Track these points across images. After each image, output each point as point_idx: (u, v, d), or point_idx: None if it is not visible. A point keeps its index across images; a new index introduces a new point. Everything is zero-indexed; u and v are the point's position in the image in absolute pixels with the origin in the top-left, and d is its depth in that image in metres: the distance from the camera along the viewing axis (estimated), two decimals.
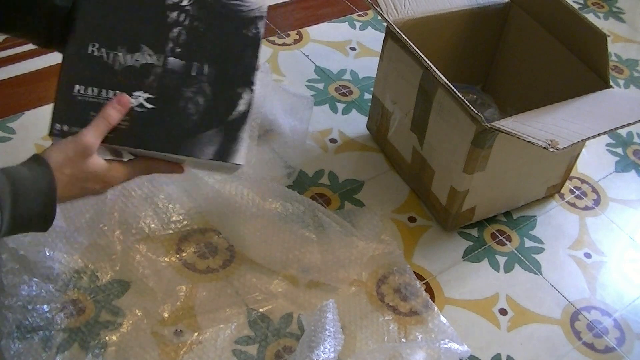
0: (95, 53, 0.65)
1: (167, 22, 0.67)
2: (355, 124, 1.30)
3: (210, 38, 0.68)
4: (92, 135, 0.64)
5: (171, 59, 0.67)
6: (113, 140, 0.66)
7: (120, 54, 0.66)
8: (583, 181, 1.26)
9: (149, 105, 0.66)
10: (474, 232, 1.13)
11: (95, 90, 0.65)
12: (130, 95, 0.66)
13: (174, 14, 0.67)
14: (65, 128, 0.65)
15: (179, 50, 0.67)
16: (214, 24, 0.68)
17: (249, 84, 0.69)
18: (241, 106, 0.68)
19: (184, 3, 0.67)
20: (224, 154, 0.68)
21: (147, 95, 0.66)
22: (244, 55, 0.69)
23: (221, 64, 0.68)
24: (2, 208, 0.59)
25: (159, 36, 0.67)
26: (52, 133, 0.65)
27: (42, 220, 0.63)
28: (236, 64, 0.69)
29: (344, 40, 1.51)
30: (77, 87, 0.65)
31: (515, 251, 1.11)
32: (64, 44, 0.68)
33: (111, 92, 0.65)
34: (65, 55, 0.66)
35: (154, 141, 0.66)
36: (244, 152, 0.68)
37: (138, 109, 0.66)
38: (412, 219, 1.13)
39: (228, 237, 1.04)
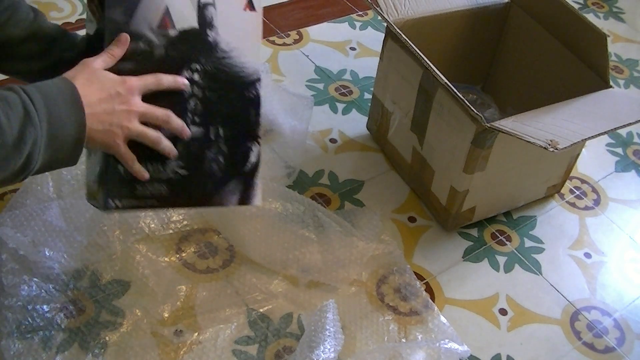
0: None
1: (185, 96, 0.75)
2: (355, 124, 1.30)
3: (220, 104, 0.77)
4: (98, 61, 0.69)
5: (192, 127, 0.75)
6: (158, 205, 0.75)
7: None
8: (583, 181, 1.26)
9: (182, 172, 0.76)
10: (474, 232, 1.13)
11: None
12: (165, 164, 0.74)
13: (189, 88, 0.75)
14: (118, 202, 0.73)
15: (197, 119, 0.76)
16: (222, 90, 0.77)
17: (256, 137, 0.80)
18: (252, 158, 0.80)
19: (196, 77, 0.75)
20: (246, 199, 0.80)
21: (179, 163, 0.75)
22: (249, 114, 0.79)
23: (232, 124, 0.78)
24: (39, 121, 0.61)
25: (179, 110, 0.74)
26: (107, 209, 0.73)
27: (74, 129, 0.65)
28: (244, 123, 0.79)
29: (344, 40, 1.51)
30: (121, 167, 0.72)
31: (515, 251, 1.11)
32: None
33: (150, 166, 0.73)
34: None
35: (190, 200, 0.77)
36: (260, 194, 0.81)
37: (174, 176, 0.75)
38: (412, 219, 1.13)
39: (228, 237, 1.04)
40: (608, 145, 1.35)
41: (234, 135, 0.78)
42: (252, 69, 0.79)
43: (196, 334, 0.92)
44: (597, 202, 1.22)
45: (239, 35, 0.78)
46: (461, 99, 0.94)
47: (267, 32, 1.47)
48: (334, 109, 1.32)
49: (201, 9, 0.75)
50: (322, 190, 1.16)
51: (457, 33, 1.21)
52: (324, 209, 1.08)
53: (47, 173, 1.03)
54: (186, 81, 0.74)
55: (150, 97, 0.72)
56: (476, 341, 0.97)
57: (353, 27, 1.56)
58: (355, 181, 1.18)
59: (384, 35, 1.15)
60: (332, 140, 1.26)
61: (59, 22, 1.43)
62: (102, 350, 0.88)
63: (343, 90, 1.37)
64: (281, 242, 1.01)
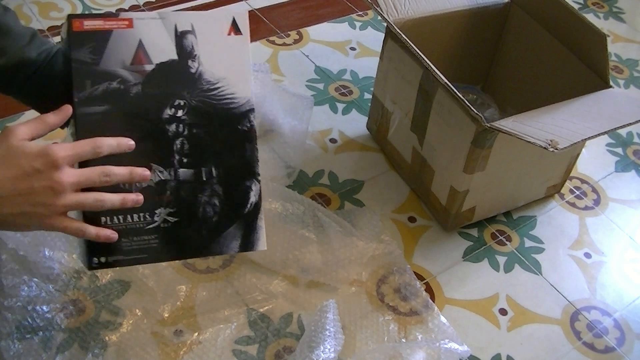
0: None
1: (169, 135, 0.69)
2: (355, 124, 1.30)
3: (210, 141, 0.71)
4: (23, 130, 0.62)
5: (181, 170, 0.69)
6: (149, 259, 0.68)
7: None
8: (583, 181, 1.26)
9: (172, 220, 0.69)
10: (474, 232, 1.13)
11: (121, 217, 0.67)
12: (153, 214, 0.68)
13: (173, 127, 0.69)
14: (103, 260, 0.67)
15: (185, 160, 0.70)
16: (211, 126, 0.71)
17: (254, 175, 0.73)
18: (252, 198, 0.73)
19: (180, 114, 0.69)
20: (249, 245, 0.73)
21: (168, 210, 0.69)
22: (244, 149, 0.72)
23: (226, 163, 0.71)
24: None
25: (165, 152, 0.69)
26: (91, 267, 0.67)
27: None
28: (239, 160, 0.72)
29: (344, 40, 1.51)
30: (103, 219, 0.67)
31: (515, 251, 1.11)
32: (20, 94, 0.71)
33: (135, 216, 0.67)
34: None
35: (185, 250, 0.70)
36: (264, 238, 0.73)
37: (163, 225, 0.69)
38: (412, 219, 1.13)
39: None
40: (608, 145, 1.35)
41: (229, 174, 0.71)
42: (244, 99, 0.72)
43: (196, 334, 0.92)
44: (597, 202, 1.22)
45: (226, 64, 0.71)
46: (461, 99, 0.94)
47: (267, 32, 1.47)
48: (334, 109, 1.32)
49: (179, 38, 0.70)
50: (322, 190, 1.15)
51: (457, 33, 1.21)
52: (324, 209, 1.08)
53: None
54: (131, 142, 0.66)
55: (126, 136, 0.66)
56: (476, 341, 0.97)
57: (353, 27, 1.56)
58: (355, 181, 1.18)
59: (384, 35, 1.15)
60: (332, 140, 1.26)
61: (59, 22, 1.43)
62: (102, 350, 0.88)
63: (343, 90, 1.37)
64: (281, 242, 1.01)
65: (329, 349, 0.87)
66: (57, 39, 1.39)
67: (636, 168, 1.31)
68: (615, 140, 1.36)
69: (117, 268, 0.97)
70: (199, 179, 0.70)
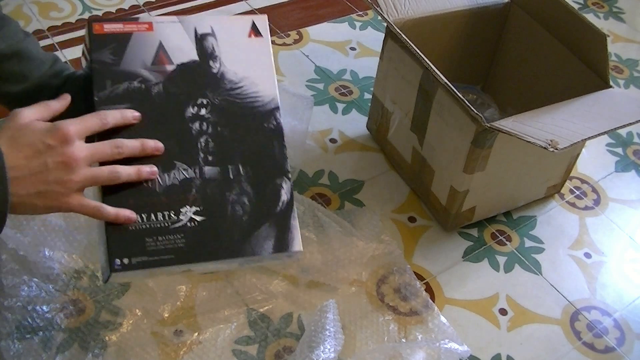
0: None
1: (193, 134, 0.68)
2: (355, 124, 1.30)
3: (236, 139, 0.70)
4: (30, 112, 0.62)
5: (206, 168, 0.68)
6: (176, 260, 0.66)
7: (157, 175, 0.67)
8: (583, 181, 1.26)
9: (199, 218, 0.67)
10: (474, 232, 1.13)
11: (144, 216, 0.65)
12: (179, 212, 0.67)
13: (197, 125, 0.69)
14: (126, 261, 0.64)
15: (211, 158, 0.69)
16: (236, 125, 0.70)
17: (285, 173, 0.71)
18: (284, 196, 0.71)
19: (203, 112, 0.69)
20: (283, 245, 0.70)
21: (194, 208, 0.67)
22: (273, 147, 0.71)
23: (254, 161, 0.70)
24: None
25: (188, 149, 0.68)
26: (114, 270, 0.64)
27: None
28: (268, 158, 0.71)
29: (344, 40, 1.51)
30: None
31: (515, 251, 1.11)
32: None
33: (160, 215, 0.66)
34: (104, 189, 0.65)
35: (215, 251, 0.67)
36: (299, 237, 0.71)
37: (190, 225, 0.67)
38: (412, 219, 1.13)
39: None
40: (608, 145, 1.35)
41: (258, 172, 0.70)
42: (268, 97, 0.72)
43: (196, 334, 0.92)
44: (597, 202, 1.22)
45: (247, 64, 0.72)
46: (461, 99, 0.94)
47: None
48: (334, 109, 1.32)
49: (199, 41, 0.71)
50: (322, 190, 1.16)
51: (457, 33, 1.21)
52: (324, 209, 1.08)
53: None
54: (136, 113, 0.66)
55: (150, 135, 0.66)
56: (476, 341, 0.97)
57: (353, 27, 1.56)
58: (355, 181, 1.18)
59: (384, 35, 1.15)
60: (332, 140, 1.26)
61: (59, 22, 1.43)
62: (102, 350, 0.88)
63: (343, 90, 1.37)
64: None
65: (329, 349, 0.87)
66: (58, 38, 1.39)
67: (636, 168, 1.31)
68: (615, 140, 1.36)
69: None
70: (225, 177, 0.69)
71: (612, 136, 1.37)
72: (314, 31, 1.52)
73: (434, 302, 1.00)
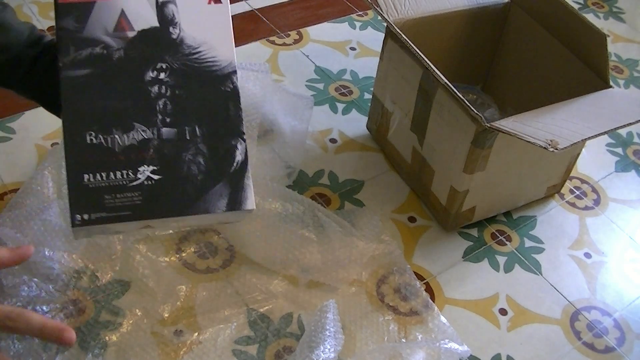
0: (94, 141, 0.69)
1: (152, 96, 0.71)
2: (355, 124, 1.30)
3: (193, 101, 0.73)
4: None
5: (164, 129, 0.71)
6: (132, 216, 0.68)
7: (116, 136, 0.69)
8: (583, 181, 1.26)
9: (156, 177, 0.70)
10: (474, 232, 1.13)
11: (104, 174, 0.68)
12: (136, 171, 0.69)
13: (155, 88, 0.72)
14: (86, 217, 0.67)
15: (168, 119, 0.71)
16: (193, 87, 0.73)
17: (239, 134, 0.74)
18: (238, 156, 0.73)
19: (162, 76, 0.72)
20: (236, 204, 0.72)
21: (152, 167, 0.70)
22: (228, 109, 0.74)
23: (210, 122, 0.73)
24: None
25: (147, 111, 0.71)
26: (74, 225, 0.67)
27: None
28: (223, 119, 0.73)
29: (344, 40, 1.51)
30: (85, 176, 0.68)
31: (515, 251, 1.11)
32: (19, 88, 0.73)
33: (118, 173, 0.68)
34: (66, 148, 0.68)
35: (169, 208, 0.70)
36: (252, 197, 0.73)
37: (147, 183, 0.69)
38: (412, 219, 1.13)
39: (228, 237, 1.04)
40: (608, 145, 1.35)
41: (214, 133, 0.73)
42: (225, 62, 0.75)
43: (196, 334, 0.92)
44: (597, 202, 1.22)
45: (207, 30, 0.75)
46: (461, 99, 0.94)
47: (267, 32, 1.47)
48: (334, 109, 1.32)
49: (160, 7, 0.74)
50: (322, 190, 1.15)
51: (457, 33, 1.21)
52: (324, 209, 1.08)
53: (46, 172, 1.03)
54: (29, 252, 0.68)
55: (111, 98, 0.70)
56: (476, 341, 0.97)
57: (353, 27, 1.56)
58: (355, 181, 1.18)
59: (384, 35, 1.15)
60: (332, 140, 1.26)
61: None
62: (102, 350, 0.88)
63: (343, 90, 1.37)
64: (281, 242, 1.01)
65: (329, 349, 0.87)
66: None
67: (636, 168, 1.31)
68: (615, 140, 1.36)
69: (117, 267, 0.97)
70: (182, 137, 0.71)
71: (612, 136, 1.37)
72: (314, 31, 1.52)
73: (434, 302, 1.00)
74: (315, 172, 1.19)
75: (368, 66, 1.43)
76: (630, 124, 0.92)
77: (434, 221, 1.13)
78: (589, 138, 0.88)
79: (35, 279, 0.91)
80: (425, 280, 1.04)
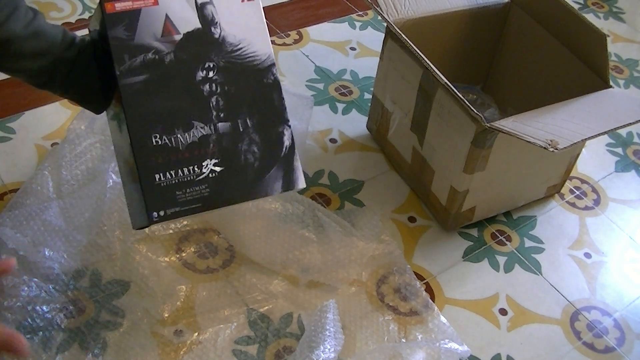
0: (160, 142, 0.74)
1: (204, 95, 0.77)
2: (355, 124, 1.30)
3: (241, 95, 0.79)
4: None
5: (220, 124, 0.77)
6: (202, 207, 0.75)
7: (179, 135, 0.75)
8: (583, 181, 1.26)
9: (218, 169, 0.76)
10: (474, 232, 1.13)
11: (173, 172, 0.74)
12: (201, 166, 0.75)
13: (207, 86, 0.77)
14: (162, 213, 0.73)
15: (222, 114, 0.77)
16: (239, 82, 0.79)
17: (285, 121, 0.80)
18: (286, 141, 0.80)
19: (211, 75, 0.77)
20: (290, 184, 0.80)
21: (214, 161, 0.76)
22: (273, 99, 0.80)
23: (258, 113, 0.79)
24: None
25: (203, 109, 0.76)
26: (152, 222, 0.72)
27: None
28: (269, 109, 0.80)
29: (344, 40, 1.51)
30: (157, 176, 0.73)
31: (515, 251, 1.11)
32: (59, 90, 0.77)
33: (185, 170, 0.74)
34: (135, 152, 0.73)
35: (234, 195, 0.77)
36: (302, 176, 0.81)
37: (211, 175, 0.76)
38: (412, 219, 1.13)
39: (228, 237, 1.04)
40: (608, 145, 1.35)
41: (263, 122, 0.79)
42: (264, 55, 0.81)
43: (196, 334, 0.92)
44: (597, 202, 1.22)
45: (244, 27, 0.79)
46: (461, 99, 0.94)
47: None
48: (334, 109, 1.32)
49: (200, 9, 0.77)
50: (322, 190, 1.15)
51: (457, 33, 1.21)
52: (324, 209, 1.08)
53: (46, 172, 1.03)
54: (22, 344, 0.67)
55: (169, 100, 0.74)
56: (476, 341, 0.97)
57: (353, 27, 1.56)
58: (355, 181, 1.18)
59: (384, 35, 1.15)
60: (332, 140, 1.26)
61: (59, 22, 1.43)
62: (102, 350, 0.88)
63: (343, 90, 1.37)
64: (281, 242, 1.01)
65: (329, 349, 0.87)
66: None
67: (636, 168, 1.31)
68: (615, 140, 1.36)
69: (117, 267, 0.97)
70: (236, 130, 0.77)
71: (612, 136, 1.37)
72: (314, 31, 1.52)
73: (434, 302, 1.00)
74: (315, 172, 1.19)
75: (368, 66, 1.43)
76: (630, 124, 0.92)
77: (434, 221, 1.13)
78: (589, 138, 0.88)
79: (35, 279, 0.91)
80: (425, 280, 1.04)
